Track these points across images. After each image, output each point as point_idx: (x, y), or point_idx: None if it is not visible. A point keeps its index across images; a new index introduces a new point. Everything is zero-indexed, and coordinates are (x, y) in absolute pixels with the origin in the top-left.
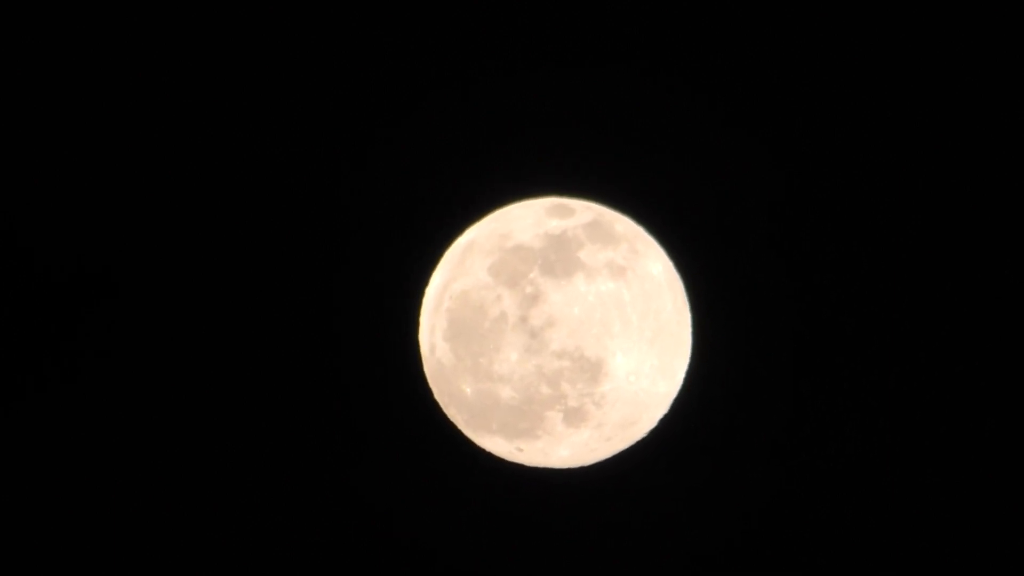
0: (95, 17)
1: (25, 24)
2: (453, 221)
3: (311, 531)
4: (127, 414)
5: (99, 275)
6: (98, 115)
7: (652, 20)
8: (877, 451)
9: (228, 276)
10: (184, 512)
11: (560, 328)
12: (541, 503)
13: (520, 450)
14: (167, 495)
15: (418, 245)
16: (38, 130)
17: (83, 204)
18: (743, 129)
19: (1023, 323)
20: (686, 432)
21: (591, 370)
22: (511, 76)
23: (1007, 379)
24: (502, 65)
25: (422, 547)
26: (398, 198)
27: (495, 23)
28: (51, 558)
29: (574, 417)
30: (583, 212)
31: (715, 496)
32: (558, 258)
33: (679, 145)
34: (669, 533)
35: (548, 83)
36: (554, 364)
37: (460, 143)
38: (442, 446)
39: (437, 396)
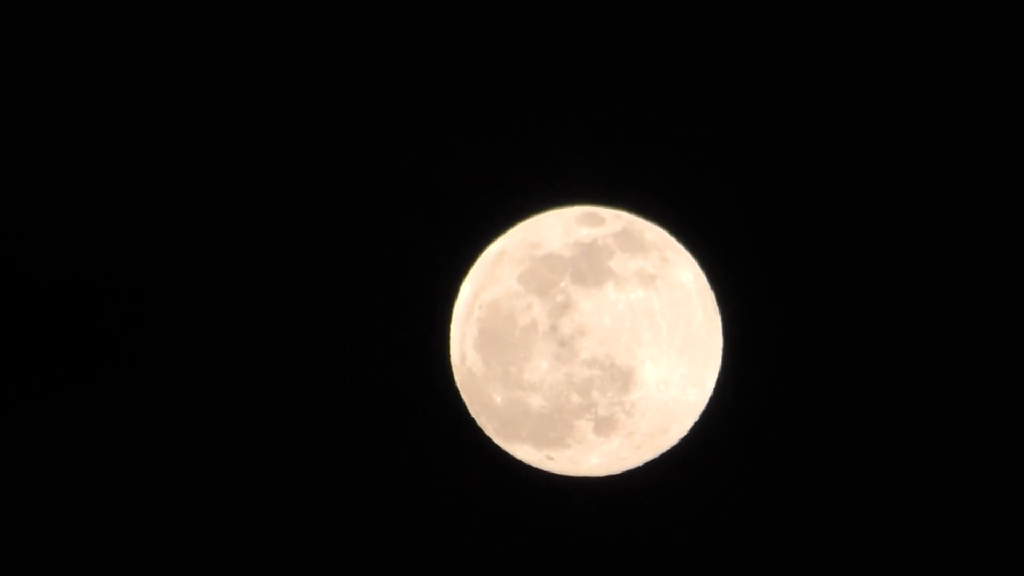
0: (107, 17)
1: (19, 23)
2: (483, 230)
3: (341, 540)
4: (142, 433)
5: (113, 285)
6: (117, 117)
7: (686, 30)
8: (910, 463)
9: (256, 287)
10: (208, 523)
11: (590, 337)
12: (571, 512)
13: (550, 458)
14: (190, 509)
15: (448, 254)
16: (59, 134)
17: (102, 210)
18: (775, 139)
19: None
20: (716, 441)
21: (621, 379)
22: (543, 85)
23: None
24: (534, 74)
25: (452, 555)
26: (429, 207)
27: (528, 31)
28: (56, 562)
29: (604, 426)
30: (613, 221)
31: (745, 505)
32: (588, 267)
33: (710, 154)
34: (699, 542)
35: (580, 92)
36: (584, 373)
37: (491, 152)
38: (472, 454)
39: (468, 405)
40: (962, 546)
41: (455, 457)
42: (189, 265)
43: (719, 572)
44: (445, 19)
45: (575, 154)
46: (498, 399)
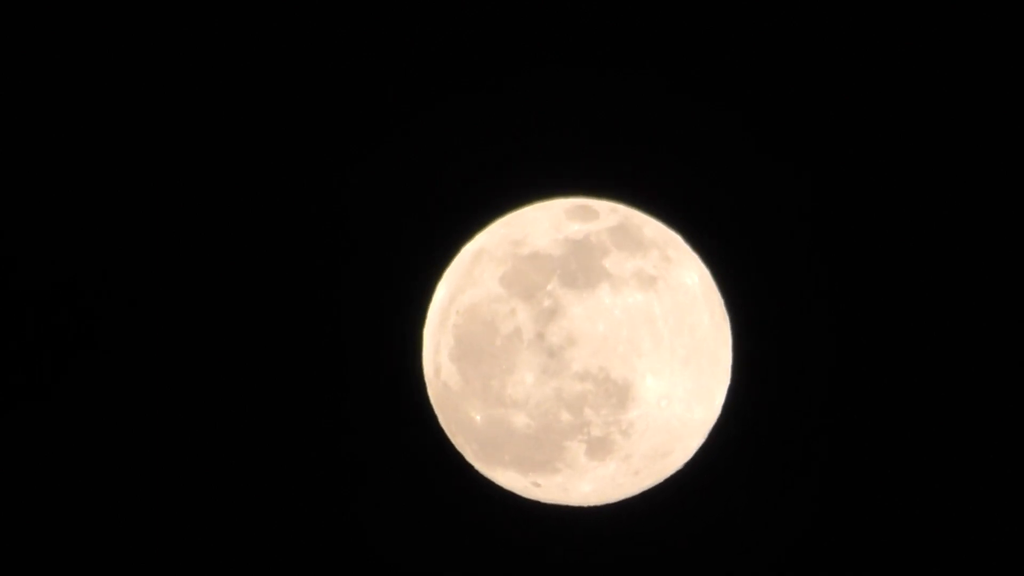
0: (94, 13)
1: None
2: (460, 225)
3: (307, 574)
4: (111, 446)
5: (85, 285)
6: (99, 116)
7: (693, 19)
8: (937, 490)
9: (215, 289)
10: (177, 546)
11: (582, 346)
12: (560, 545)
13: (537, 485)
14: (161, 531)
15: (421, 253)
16: (59, 132)
17: (83, 211)
18: (790, 125)
19: None
20: (725, 464)
21: (617, 394)
22: (524, 64)
23: None
24: (513, 54)
25: None
26: (398, 200)
27: (512, 19)
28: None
29: (598, 448)
30: (608, 215)
31: (757, 539)
32: (580, 267)
33: (718, 141)
34: None
35: (566, 71)
36: (575, 387)
37: (467, 139)
38: (448, 480)
39: (443, 424)
40: (986, 572)
41: (427, 484)
42: (149, 266)
43: None
44: (416, 4)
45: (564, 139)
46: (477, 417)
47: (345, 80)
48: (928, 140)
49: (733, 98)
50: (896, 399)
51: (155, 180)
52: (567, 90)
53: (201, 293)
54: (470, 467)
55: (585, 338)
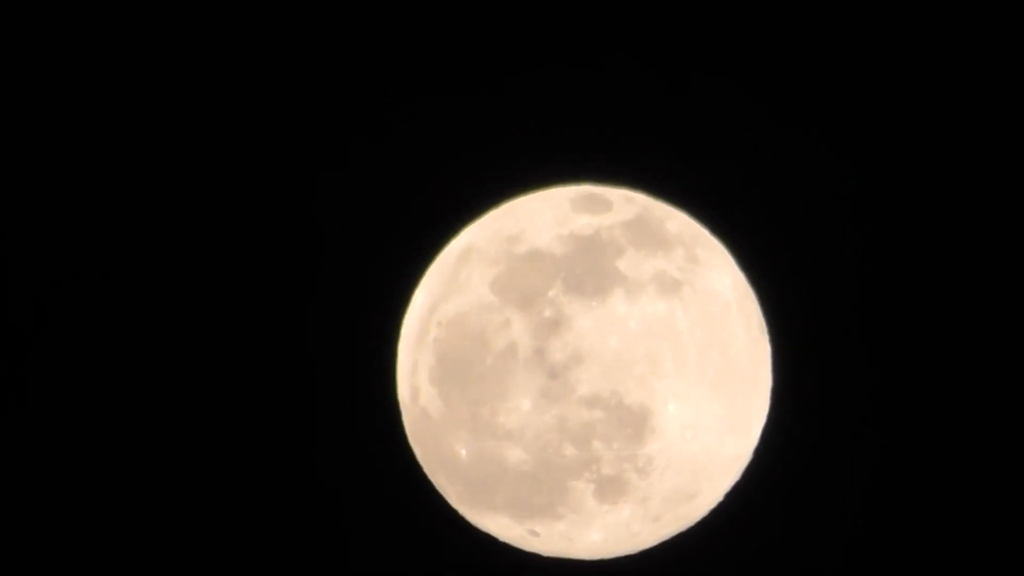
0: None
1: None
2: (443, 219)
3: None
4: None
5: (46, 300)
6: (64, 110)
7: None
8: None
9: (170, 293)
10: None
11: (590, 366)
12: None
13: (535, 534)
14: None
15: (395, 252)
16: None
17: (52, 210)
18: (839, 99)
19: None
20: (762, 509)
21: (633, 424)
22: (521, 36)
23: None
24: (509, 24)
25: None
26: (368, 190)
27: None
28: None
29: (610, 489)
30: (623, 205)
31: None
32: (588, 269)
33: (754, 114)
34: None
35: (571, 44)
36: (582, 415)
37: (449, 116)
38: (428, 529)
39: (421, 460)
40: None
41: (403, 533)
42: (105, 263)
43: None
44: None
45: (569, 116)
46: (463, 452)
47: (313, 65)
48: (992, 124)
49: (777, 69)
50: (966, 432)
51: (117, 172)
52: (572, 62)
53: (155, 295)
54: (454, 512)
55: (594, 356)
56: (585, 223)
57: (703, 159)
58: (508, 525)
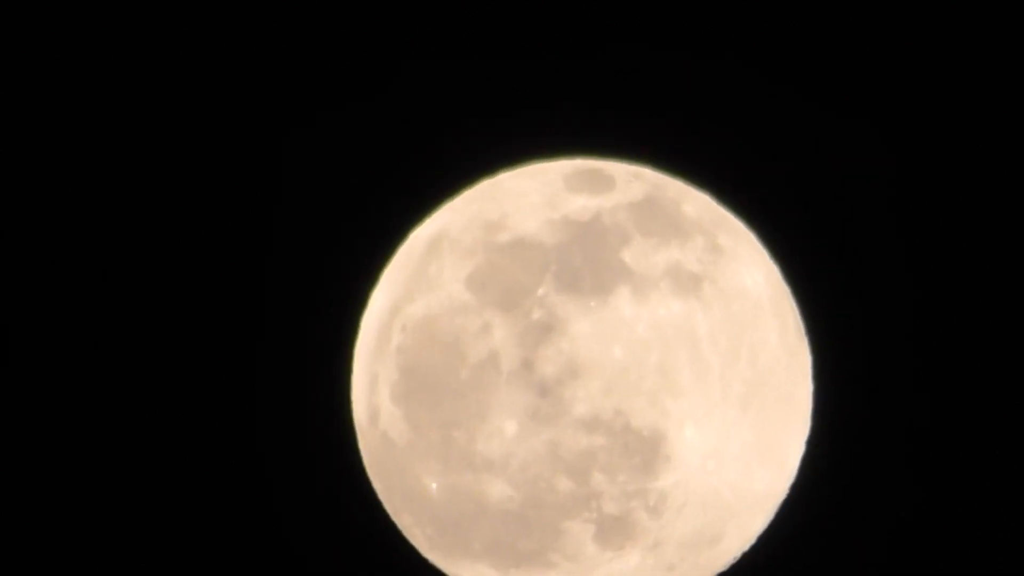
0: None
1: None
2: (408, 201)
3: None
4: None
5: None
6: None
7: None
8: None
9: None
10: None
11: (589, 380)
12: None
13: None
14: None
15: (349, 241)
16: None
17: None
18: (893, 58)
19: None
20: (800, 556)
21: (642, 452)
22: None
23: None
24: None
25: None
26: (320, 166)
27: None
28: None
29: (614, 531)
30: (629, 183)
31: None
32: (586, 261)
33: (792, 73)
34: None
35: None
36: (579, 442)
37: (419, 76)
38: None
39: (383, 496)
40: None
41: None
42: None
43: None
44: None
45: (562, 73)
46: (434, 486)
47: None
48: None
49: (826, 20)
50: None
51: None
52: (565, 6)
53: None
54: (423, 562)
55: (594, 368)
56: (582, 205)
57: (728, 126)
58: (488, 575)
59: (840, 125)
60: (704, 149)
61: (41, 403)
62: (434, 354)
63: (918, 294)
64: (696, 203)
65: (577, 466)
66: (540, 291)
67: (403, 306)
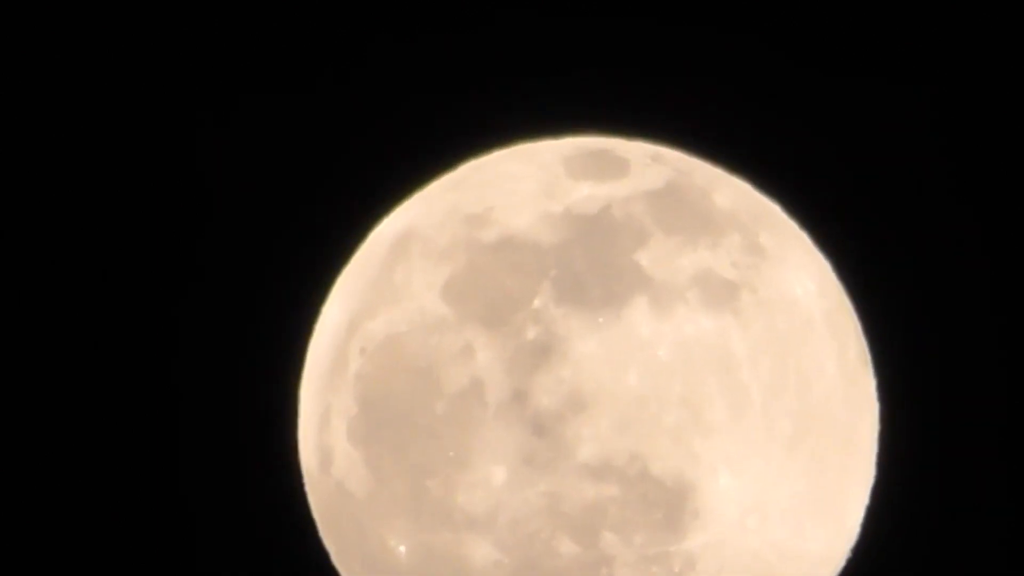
0: None
1: None
2: (370, 191)
3: None
4: None
5: None
6: None
7: None
8: None
9: None
10: None
11: (598, 415)
12: None
13: None
14: None
15: (299, 243)
16: None
17: None
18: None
19: None
20: None
21: (666, 505)
22: None
23: None
24: None
25: None
26: (265, 149)
27: None
28: None
29: None
30: (646, 167)
31: None
32: (593, 266)
33: (850, 36)
34: None
35: None
36: (586, 492)
37: (388, 41)
38: None
39: (337, 560)
40: None
41: None
42: None
43: None
44: None
45: (567, 31)
46: (402, 549)
47: None
48: None
49: None
50: None
51: None
52: None
53: None
54: None
55: (603, 400)
56: (587, 195)
57: (771, 95)
58: None
59: (913, 95)
60: (741, 124)
61: None
62: (402, 383)
63: (1015, 308)
64: (731, 192)
65: (583, 524)
66: (535, 303)
67: (362, 322)
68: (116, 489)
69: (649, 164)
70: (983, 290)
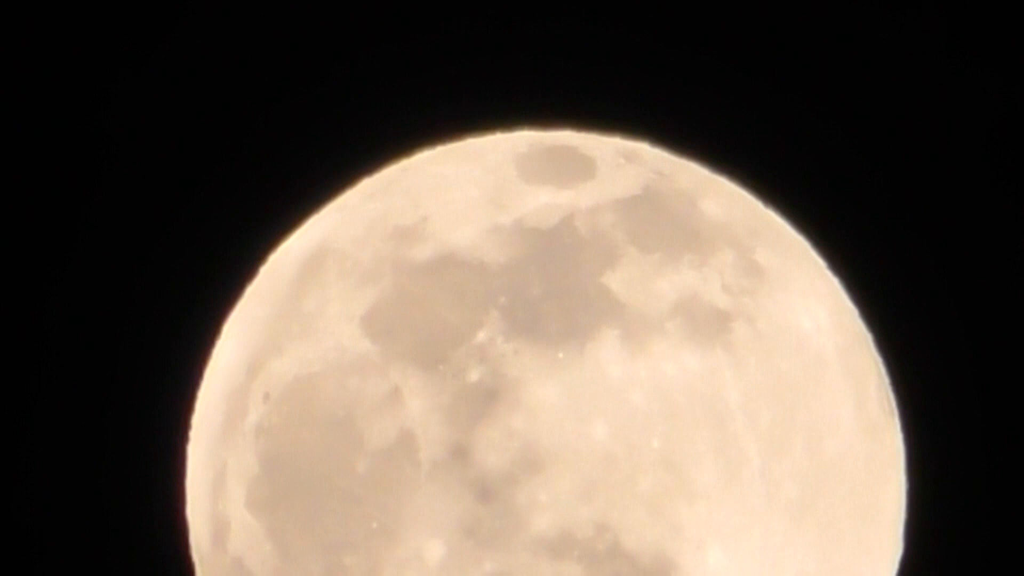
0: None
1: None
2: (273, 199)
3: None
4: None
5: None
6: None
7: None
8: None
9: None
10: None
11: (558, 477)
12: None
13: None
14: None
15: (184, 264)
16: None
17: None
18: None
19: None
20: None
21: None
22: None
23: None
24: None
25: None
26: (149, 145)
27: None
28: None
29: None
30: (617, 168)
31: None
32: (551, 291)
33: (861, 13)
34: None
35: None
36: (542, 571)
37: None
38: None
39: None
40: None
41: None
42: None
43: None
44: None
45: (523, 15)
46: None
47: None
48: None
49: None
50: None
51: None
52: None
53: None
54: None
55: (564, 457)
56: (545, 203)
57: (770, 84)
58: None
59: (941, 85)
60: (737, 115)
61: None
62: (314, 436)
63: None
64: (723, 199)
65: None
66: (480, 337)
67: (266, 361)
68: None
69: (622, 164)
70: None
